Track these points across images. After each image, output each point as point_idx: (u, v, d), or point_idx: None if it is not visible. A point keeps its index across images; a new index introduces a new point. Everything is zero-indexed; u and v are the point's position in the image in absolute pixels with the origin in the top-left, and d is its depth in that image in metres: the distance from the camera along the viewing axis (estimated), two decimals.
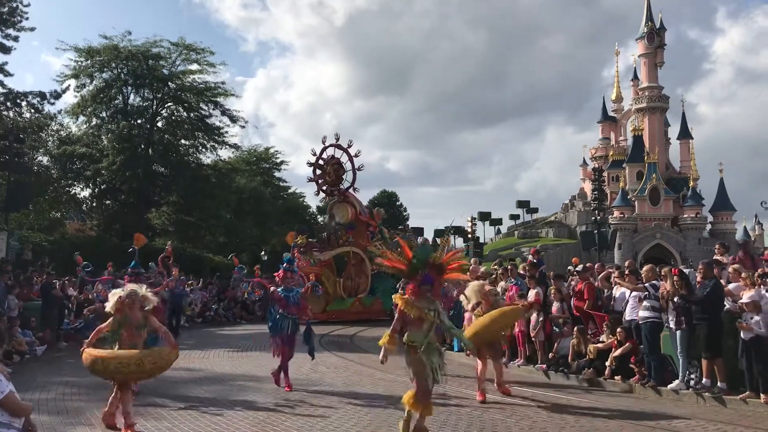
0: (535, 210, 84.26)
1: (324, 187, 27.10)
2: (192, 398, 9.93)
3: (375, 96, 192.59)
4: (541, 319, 12.45)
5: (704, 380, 9.81)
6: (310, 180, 27.36)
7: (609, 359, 11.14)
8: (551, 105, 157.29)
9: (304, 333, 11.16)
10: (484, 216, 77.07)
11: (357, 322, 23.22)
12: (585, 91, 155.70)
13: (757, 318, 9.12)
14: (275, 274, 11.42)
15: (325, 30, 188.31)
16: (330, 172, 26.60)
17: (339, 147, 26.79)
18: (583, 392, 10.69)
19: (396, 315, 7.25)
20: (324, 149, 26.85)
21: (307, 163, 27.02)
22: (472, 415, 8.66)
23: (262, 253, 36.13)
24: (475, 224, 69.39)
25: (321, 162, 26.79)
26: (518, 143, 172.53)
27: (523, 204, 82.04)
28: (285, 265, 11.07)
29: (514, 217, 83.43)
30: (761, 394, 8.98)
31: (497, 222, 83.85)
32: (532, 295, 12.84)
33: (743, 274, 9.90)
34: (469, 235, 65.59)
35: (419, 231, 71.49)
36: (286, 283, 10.90)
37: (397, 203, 74.31)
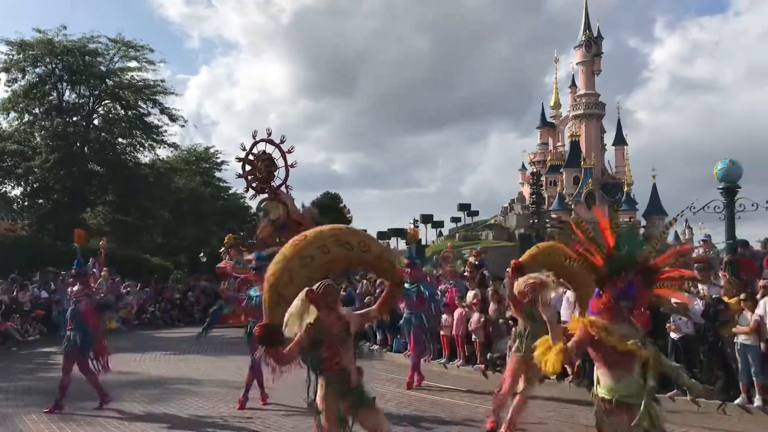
0: (476, 213, 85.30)
1: (254, 184, 26.13)
2: (127, 402, 9.72)
3: (321, 96, 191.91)
4: (481, 319, 12.64)
5: None
6: (239, 176, 26.38)
7: None
8: (495, 110, 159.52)
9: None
10: (427, 218, 77.61)
11: None
12: (527, 97, 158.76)
13: (684, 319, 9.50)
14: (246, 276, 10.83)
15: (271, 28, 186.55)
16: (261, 168, 25.54)
17: (271, 142, 25.68)
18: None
19: (573, 344, 4.24)
20: (254, 144, 25.77)
21: (236, 158, 26.07)
22: None
23: (201, 254, 35.53)
24: (418, 226, 70.11)
25: (251, 157, 25.77)
26: (462, 147, 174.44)
27: (464, 207, 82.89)
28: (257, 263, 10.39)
29: (455, 219, 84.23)
30: (687, 393, 9.35)
31: (439, 224, 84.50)
32: (470, 296, 13.04)
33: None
34: (411, 238, 65.66)
35: None
36: (259, 283, 10.40)
37: (341, 205, 74.20)
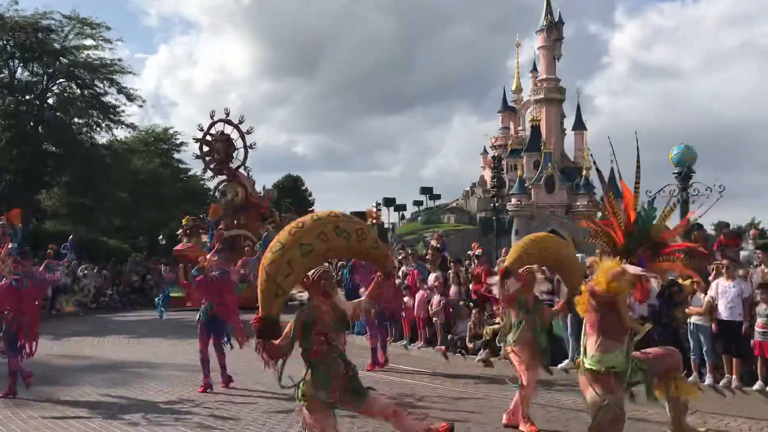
0: (438, 196, 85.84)
1: (212, 165, 25.60)
2: (84, 387, 9.58)
3: (282, 77, 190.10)
4: (442, 302, 12.75)
5: None
6: (197, 157, 25.82)
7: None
8: (458, 93, 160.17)
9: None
10: (389, 202, 77.80)
11: (248, 309, 22.65)
12: (490, 81, 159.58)
13: (630, 299, 9.70)
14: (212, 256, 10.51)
15: (231, 7, 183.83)
16: (219, 149, 24.99)
17: (229, 122, 25.14)
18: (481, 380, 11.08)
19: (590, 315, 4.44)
20: (212, 124, 25.14)
21: (194, 139, 25.56)
22: None
23: (160, 237, 35.05)
24: (380, 209, 70.18)
25: (209, 138, 25.25)
26: (425, 130, 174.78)
27: (426, 190, 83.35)
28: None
29: (417, 203, 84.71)
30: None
31: (401, 208, 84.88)
32: (432, 279, 13.14)
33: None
34: (374, 221, 65.75)
35: None
36: (220, 265, 10.01)
37: (303, 188, 73.81)
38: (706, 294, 9.21)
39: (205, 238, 23.43)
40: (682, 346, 9.56)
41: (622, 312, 4.22)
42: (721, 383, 9.04)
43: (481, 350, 11.70)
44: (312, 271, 4.53)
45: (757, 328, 8.67)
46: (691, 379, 9.23)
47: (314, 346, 4.50)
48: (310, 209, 73.67)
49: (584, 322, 4.46)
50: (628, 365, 4.16)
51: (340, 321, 4.67)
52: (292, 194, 64.01)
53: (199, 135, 25.68)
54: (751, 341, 8.76)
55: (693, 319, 9.19)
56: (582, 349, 4.39)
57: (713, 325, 9.14)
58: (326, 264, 4.80)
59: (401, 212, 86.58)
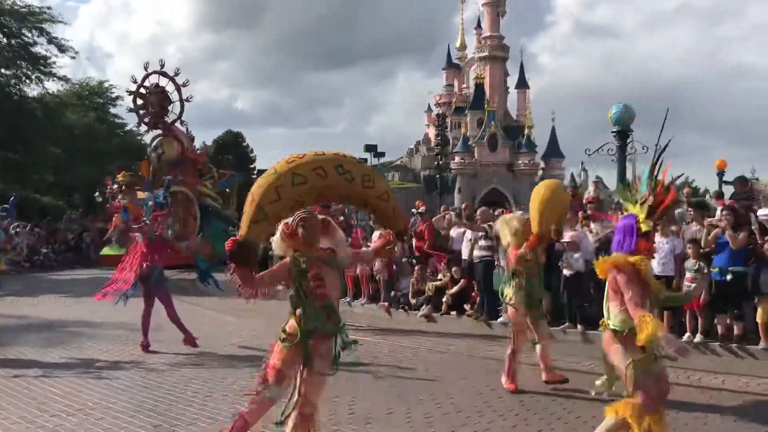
0: (383, 154, 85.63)
1: (146, 119, 24.80)
2: (20, 346, 9.34)
3: (224, 30, 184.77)
4: (384, 259, 12.82)
5: None
6: (130, 110, 24.99)
7: (446, 296, 11.76)
8: (403, 49, 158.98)
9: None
10: None
11: (185, 267, 22.15)
12: (436, 37, 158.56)
13: (577, 256, 9.98)
14: (158, 214, 10.09)
15: None
16: (153, 102, 24.22)
17: (164, 75, 24.20)
18: (423, 333, 11.25)
19: (625, 280, 4.32)
20: (146, 76, 24.30)
21: (127, 91, 24.67)
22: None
23: (96, 194, 34.04)
24: None
25: (143, 91, 24.41)
26: (370, 86, 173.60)
27: (370, 148, 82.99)
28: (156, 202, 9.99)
29: (361, 160, 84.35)
30: (578, 325, 9.94)
31: None
32: (376, 236, 13.17)
33: (567, 215, 10.73)
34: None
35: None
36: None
37: (244, 144, 72.59)
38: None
39: (142, 195, 22.77)
40: None
41: (646, 280, 4.45)
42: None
43: (424, 306, 11.86)
44: (293, 217, 4.15)
45: (686, 282, 9.02)
46: None
47: (311, 288, 4.15)
48: (251, 166, 72.80)
49: (606, 286, 4.61)
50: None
51: (335, 265, 4.31)
52: (233, 150, 62.86)
53: (133, 87, 24.73)
54: None
55: None
56: (606, 312, 4.59)
57: None
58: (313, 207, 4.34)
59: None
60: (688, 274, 9.02)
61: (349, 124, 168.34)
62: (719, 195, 15.63)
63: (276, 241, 4.28)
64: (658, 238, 9.39)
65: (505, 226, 7.58)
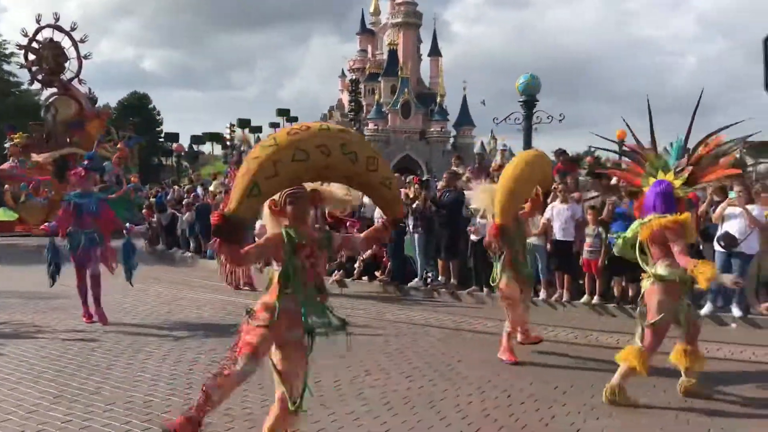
0: (296, 119, 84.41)
1: (40, 76, 23.15)
2: None
3: None
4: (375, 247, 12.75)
5: (440, 278, 10.99)
6: (22, 66, 23.33)
7: (357, 261, 11.87)
8: (317, 12, 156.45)
9: (123, 250, 8.97)
10: (244, 123, 75.78)
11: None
12: (351, 1, 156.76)
13: (483, 221, 10.24)
14: (73, 172, 9.17)
15: None
16: (47, 57, 22.59)
17: (59, 29, 22.54)
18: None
19: (675, 236, 5.02)
20: (39, 30, 22.57)
21: (17, 46, 23.03)
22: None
23: None
24: (234, 131, 68.29)
25: (35, 45, 22.73)
26: (283, 50, 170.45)
27: (283, 112, 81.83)
28: (86, 162, 9.03)
29: (274, 125, 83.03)
30: (484, 288, 10.27)
31: (257, 130, 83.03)
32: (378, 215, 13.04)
33: (475, 183, 10.99)
34: (228, 143, 64.19)
35: (174, 137, 68.48)
36: (83, 185, 8.67)
37: (150, 106, 70.02)
38: (542, 216, 9.86)
39: (38, 157, 21.49)
40: None
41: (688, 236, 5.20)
42: (553, 298, 9.83)
43: (335, 271, 11.92)
44: (282, 193, 3.82)
45: (585, 247, 9.46)
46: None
47: (298, 267, 3.83)
48: (158, 129, 70.37)
49: (648, 246, 5.37)
50: (689, 278, 5.06)
51: (325, 245, 3.98)
52: (138, 113, 60.57)
53: (24, 42, 23.07)
54: (581, 259, 9.57)
55: (531, 240, 9.80)
56: (651, 267, 5.32)
57: (548, 245, 9.87)
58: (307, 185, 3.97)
59: (257, 134, 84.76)
60: (587, 239, 9.46)
61: (261, 87, 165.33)
62: (618, 165, 16.29)
63: (266, 216, 3.97)
64: (558, 204, 9.80)
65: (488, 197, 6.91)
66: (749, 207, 8.23)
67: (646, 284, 5.37)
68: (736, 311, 8.66)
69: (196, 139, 75.57)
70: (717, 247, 8.69)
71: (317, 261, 3.92)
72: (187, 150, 60.11)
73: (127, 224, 9.12)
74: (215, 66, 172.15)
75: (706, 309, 8.73)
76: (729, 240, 8.40)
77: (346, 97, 72.58)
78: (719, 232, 8.65)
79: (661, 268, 5.22)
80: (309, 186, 3.97)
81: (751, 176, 10.56)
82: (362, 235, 4.36)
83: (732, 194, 8.75)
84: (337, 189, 4.11)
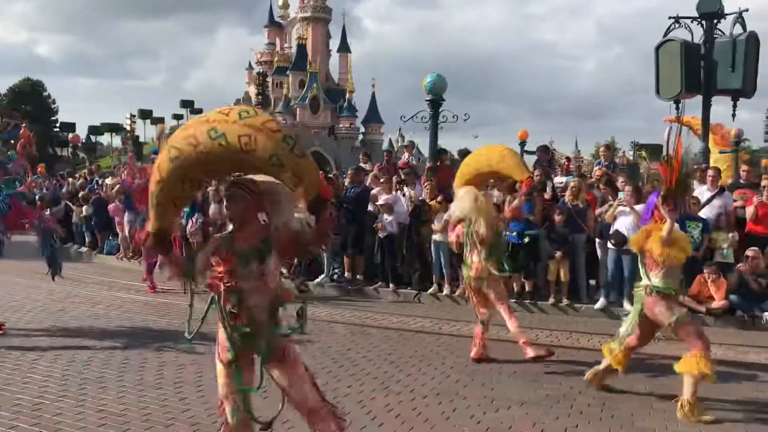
0: (200, 111, 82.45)
1: None
2: None
3: None
4: (199, 220, 12.44)
5: (346, 274, 10.99)
6: None
7: None
8: (224, 2, 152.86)
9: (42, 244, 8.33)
10: (146, 114, 73.22)
11: None
12: None
13: (390, 219, 10.34)
14: None
15: None
16: None
17: None
18: None
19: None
20: None
21: None
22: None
23: None
24: (135, 122, 65.85)
25: None
26: (189, 39, 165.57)
27: (187, 104, 79.62)
28: None
29: (177, 117, 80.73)
30: (390, 284, 10.38)
31: (159, 120, 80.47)
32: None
33: (382, 180, 11.08)
34: (128, 134, 61.90)
35: (70, 126, 65.35)
36: None
37: (44, 94, 66.51)
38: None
39: None
40: (426, 260, 10.45)
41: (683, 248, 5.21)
42: (456, 293, 10.04)
43: None
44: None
45: None
46: (431, 290, 10.16)
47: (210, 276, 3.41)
48: (53, 118, 66.97)
49: (643, 257, 5.29)
50: (682, 289, 5.24)
51: (256, 250, 3.37)
52: (32, 101, 57.47)
53: None
54: None
55: (435, 237, 9.98)
56: (646, 278, 5.24)
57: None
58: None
59: (159, 125, 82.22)
60: None
61: (165, 77, 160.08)
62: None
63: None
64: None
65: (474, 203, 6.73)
66: (638, 207, 8.65)
67: (642, 294, 5.28)
68: (627, 305, 9.11)
69: (94, 130, 72.42)
70: (609, 245, 9.12)
71: (234, 270, 3.32)
72: (84, 141, 57.59)
73: (48, 214, 8.60)
74: (115, 53, 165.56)
75: (600, 304, 9.16)
76: (619, 238, 8.84)
77: (253, 90, 71.33)
78: (611, 231, 9.08)
79: (656, 280, 5.20)
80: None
81: (642, 177, 11.14)
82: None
83: (622, 194, 9.22)
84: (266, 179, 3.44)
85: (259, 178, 3.39)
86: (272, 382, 3.45)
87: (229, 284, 3.30)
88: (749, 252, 8.75)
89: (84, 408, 4.93)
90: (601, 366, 5.57)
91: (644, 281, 5.26)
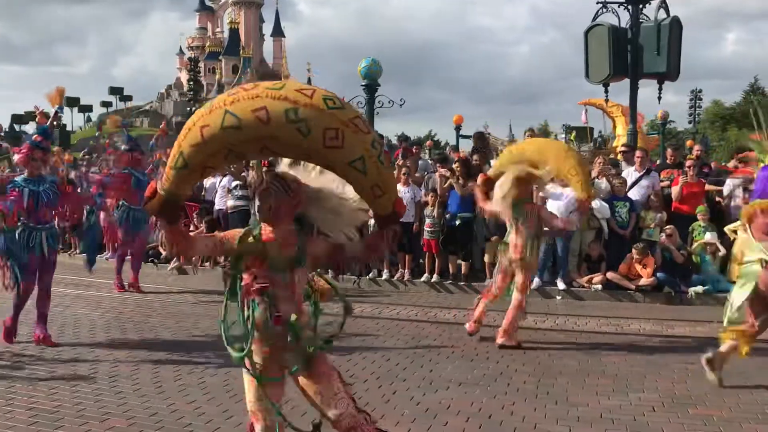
0: (130, 98, 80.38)
1: None
2: None
3: None
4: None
5: None
6: None
7: None
8: None
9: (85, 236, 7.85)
10: (72, 102, 70.81)
11: None
12: None
13: None
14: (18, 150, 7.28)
15: None
16: None
17: None
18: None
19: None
20: None
21: None
22: None
23: None
24: (62, 111, 63.64)
25: None
26: (117, 24, 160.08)
27: (116, 91, 77.49)
28: (37, 138, 6.78)
29: (106, 104, 78.52)
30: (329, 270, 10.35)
31: (87, 109, 77.99)
32: None
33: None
34: (55, 122, 59.67)
35: None
36: (32, 168, 6.58)
37: None
38: None
39: None
40: None
41: None
42: (395, 277, 10.12)
43: (174, 259, 11.49)
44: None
45: (426, 228, 9.81)
46: (370, 275, 10.20)
47: (244, 278, 3.12)
48: None
49: (752, 228, 5.08)
50: None
51: (289, 257, 3.11)
52: None
53: None
54: (422, 239, 9.92)
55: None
56: (762, 250, 4.98)
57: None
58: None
59: (87, 113, 79.69)
60: (428, 221, 9.81)
61: (92, 64, 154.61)
62: (455, 148, 17.07)
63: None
64: (399, 186, 10.08)
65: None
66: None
67: (756, 268, 5.04)
68: (560, 284, 9.38)
69: (18, 119, 69.66)
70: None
71: (266, 274, 3.06)
72: (7, 130, 55.17)
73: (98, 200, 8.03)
74: (39, 39, 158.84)
75: (534, 283, 9.37)
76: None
77: (185, 76, 69.86)
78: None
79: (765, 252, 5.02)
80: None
81: None
82: (366, 241, 3.29)
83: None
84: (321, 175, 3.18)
85: (313, 177, 3.16)
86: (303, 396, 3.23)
87: (264, 286, 3.04)
88: (667, 229, 9.22)
89: (13, 407, 4.77)
90: (724, 348, 5.30)
91: (757, 254, 5.01)
